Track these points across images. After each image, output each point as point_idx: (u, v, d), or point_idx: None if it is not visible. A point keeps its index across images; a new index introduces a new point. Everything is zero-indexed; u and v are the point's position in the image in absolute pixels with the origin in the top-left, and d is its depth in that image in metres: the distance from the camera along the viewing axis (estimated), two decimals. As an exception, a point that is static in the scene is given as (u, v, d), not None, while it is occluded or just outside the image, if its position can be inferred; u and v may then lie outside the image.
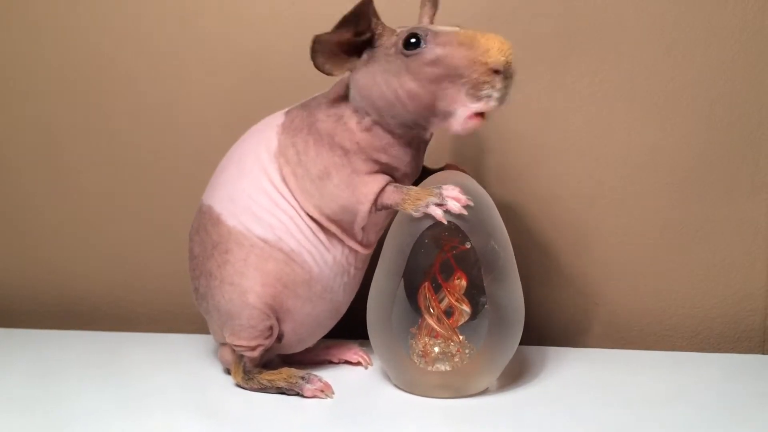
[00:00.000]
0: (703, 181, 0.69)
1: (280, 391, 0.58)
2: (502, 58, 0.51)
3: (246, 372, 0.59)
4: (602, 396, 0.57)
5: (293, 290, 0.58)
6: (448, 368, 0.57)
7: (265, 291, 0.58)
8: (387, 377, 0.61)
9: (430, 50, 0.52)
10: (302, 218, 0.58)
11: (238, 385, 0.60)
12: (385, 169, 0.57)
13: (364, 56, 0.55)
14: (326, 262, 0.59)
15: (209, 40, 0.74)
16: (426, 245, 0.58)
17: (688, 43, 0.67)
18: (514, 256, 0.58)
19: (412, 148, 0.58)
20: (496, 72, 0.51)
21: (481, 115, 0.53)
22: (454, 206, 0.53)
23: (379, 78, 0.54)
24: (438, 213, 0.53)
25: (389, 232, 0.59)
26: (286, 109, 0.61)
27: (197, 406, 0.57)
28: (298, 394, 0.58)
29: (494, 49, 0.51)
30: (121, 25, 0.75)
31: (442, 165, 0.64)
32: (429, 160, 0.63)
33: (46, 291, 0.80)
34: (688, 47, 0.67)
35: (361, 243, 0.59)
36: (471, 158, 0.71)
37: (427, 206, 0.54)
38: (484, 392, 0.58)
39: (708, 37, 0.67)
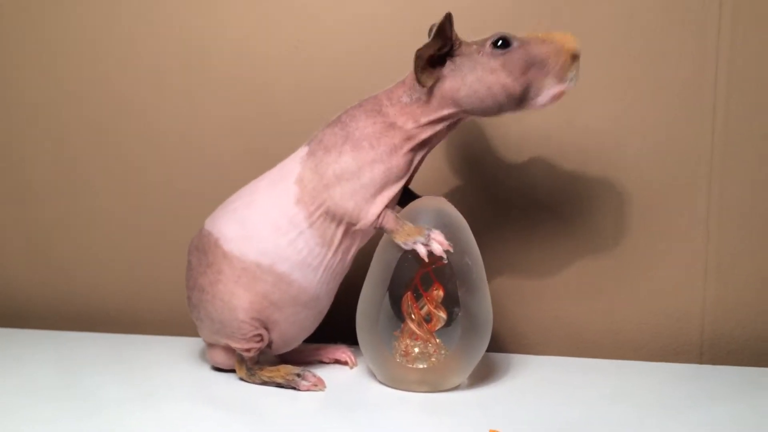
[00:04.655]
0: (649, 217, 0.73)
1: (279, 386, 0.64)
2: (577, 45, 0.60)
3: (248, 369, 0.65)
4: (558, 396, 0.62)
5: (280, 306, 0.64)
6: (425, 366, 0.63)
7: (252, 308, 0.63)
8: (372, 375, 0.66)
9: (521, 48, 0.60)
10: (303, 238, 0.63)
11: (242, 379, 0.65)
12: (409, 174, 0.64)
13: (448, 64, 0.62)
14: (316, 274, 0.64)
15: (220, 78, 0.79)
16: (409, 260, 0.63)
17: (638, 98, 0.72)
18: (484, 272, 0.63)
19: (448, 130, 0.64)
20: (574, 57, 0.60)
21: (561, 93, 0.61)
22: (437, 249, 0.59)
23: (469, 78, 0.61)
24: (422, 252, 0.60)
25: (377, 248, 0.64)
26: (306, 143, 0.66)
27: (204, 397, 0.61)
28: (294, 389, 0.63)
29: (570, 40, 0.60)
30: (140, 65, 0.80)
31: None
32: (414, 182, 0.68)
33: (64, 297, 0.84)
34: (638, 101, 0.72)
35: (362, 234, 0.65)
36: (451, 186, 0.76)
37: (414, 243, 0.60)
38: (457, 388, 0.64)
39: (654, 93, 0.72)
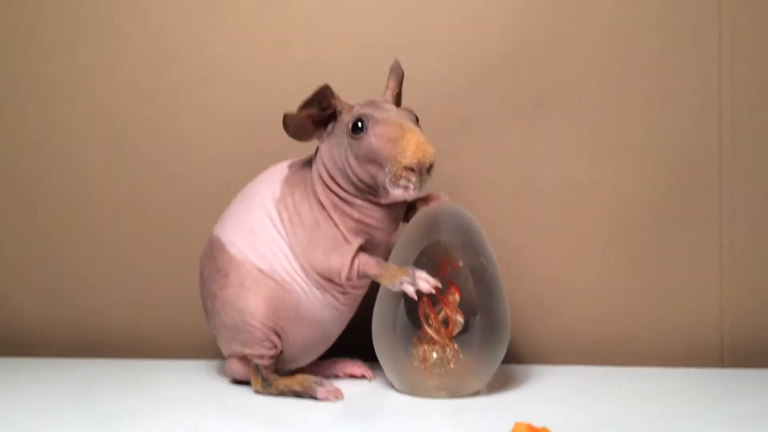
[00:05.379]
0: (661, 219, 0.74)
1: (297, 395, 0.63)
2: (415, 160, 0.58)
3: (264, 380, 0.64)
4: (578, 403, 0.62)
5: (284, 313, 0.64)
6: (444, 371, 0.62)
7: (259, 311, 0.63)
8: (390, 385, 0.66)
9: (368, 138, 0.60)
10: (295, 258, 0.64)
11: (258, 392, 0.64)
12: (361, 226, 0.63)
13: (329, 128, 0.63)
14: (315, 296, 0.64)
15: (224, 98, 0.79)
16: (424, 264, 0.63)
17: (646, 102, 0.74)
18: (499, 273, 0.64)
19: (382, 207, 0.63)
20: (411, 169, 0.59)
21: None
22: (425, 287, 0.59)
23: (334, 150, 0.62)
24: (410, 291, 0.60)
25: (392, 253, 0.65)
26: (290, 162, 0.67)
27: (220, 410, 0.61)
28: (312, 397, 0.62)
29: (410, 150, 0.58)
30: (147, 84, 0.81)
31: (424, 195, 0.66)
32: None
33: (72, 325, 0.83)
34: (646, 105, 0.74)
35: (342, 291, 0.65)
36: (467, 194, 0.76)
37: (401, 284, 0.60)
38: (476, 394, 0.63)
39: (663, 97, 0.74)
